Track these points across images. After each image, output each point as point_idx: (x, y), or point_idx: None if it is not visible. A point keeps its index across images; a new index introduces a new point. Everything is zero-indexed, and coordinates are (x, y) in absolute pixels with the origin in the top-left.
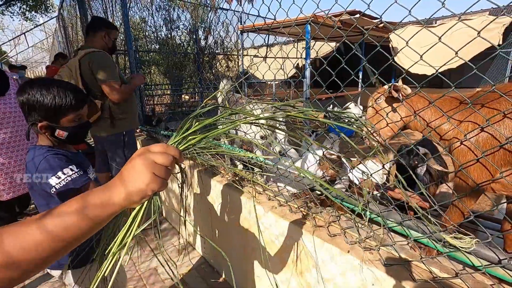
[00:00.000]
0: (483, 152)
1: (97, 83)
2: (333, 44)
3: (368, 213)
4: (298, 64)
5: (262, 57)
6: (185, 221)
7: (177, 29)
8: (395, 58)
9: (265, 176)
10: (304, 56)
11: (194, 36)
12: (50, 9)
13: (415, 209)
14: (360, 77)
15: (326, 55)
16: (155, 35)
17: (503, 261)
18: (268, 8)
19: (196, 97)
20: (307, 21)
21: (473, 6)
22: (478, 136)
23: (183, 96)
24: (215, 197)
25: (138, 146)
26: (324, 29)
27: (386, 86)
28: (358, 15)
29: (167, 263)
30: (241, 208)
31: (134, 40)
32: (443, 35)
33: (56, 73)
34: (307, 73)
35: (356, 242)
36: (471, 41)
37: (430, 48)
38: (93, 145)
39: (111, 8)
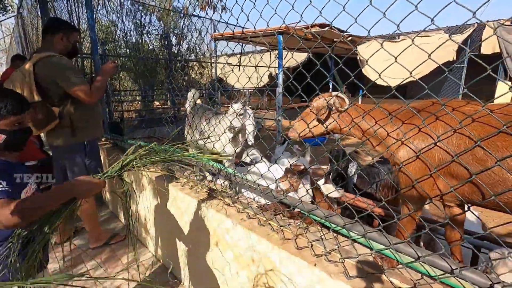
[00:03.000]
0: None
1: (55, 89)
2: (305, 55)
3: (333, 225)
4: (271, 73)
5: (234, 65)
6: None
7: (148, 34)
8: (362, 70)
9: (236, 187)
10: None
11: (166, 42)
12: (9, 9)
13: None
14: (331, 86)
15: (298, 65)
16: (125, 39)
17: (455, 270)
18: (247, 17)
19: (168, 104)
20: (280, 32)
21: (430, 25)
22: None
23: (154, 102)
24: (184, 210)
25: (102, 156)
26: (296, 40)
27: (332, 93)
28: (327, 28)
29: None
30: (210, 222)
31: (102, 43)
32: (401, 53)
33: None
34: (280, 81)
35: (322, 255)
36: (437, 48)
37: (391, 64)
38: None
39: (76, 9)
